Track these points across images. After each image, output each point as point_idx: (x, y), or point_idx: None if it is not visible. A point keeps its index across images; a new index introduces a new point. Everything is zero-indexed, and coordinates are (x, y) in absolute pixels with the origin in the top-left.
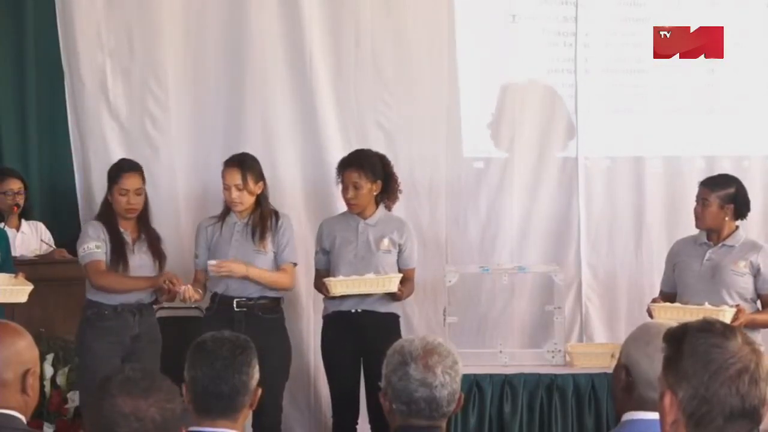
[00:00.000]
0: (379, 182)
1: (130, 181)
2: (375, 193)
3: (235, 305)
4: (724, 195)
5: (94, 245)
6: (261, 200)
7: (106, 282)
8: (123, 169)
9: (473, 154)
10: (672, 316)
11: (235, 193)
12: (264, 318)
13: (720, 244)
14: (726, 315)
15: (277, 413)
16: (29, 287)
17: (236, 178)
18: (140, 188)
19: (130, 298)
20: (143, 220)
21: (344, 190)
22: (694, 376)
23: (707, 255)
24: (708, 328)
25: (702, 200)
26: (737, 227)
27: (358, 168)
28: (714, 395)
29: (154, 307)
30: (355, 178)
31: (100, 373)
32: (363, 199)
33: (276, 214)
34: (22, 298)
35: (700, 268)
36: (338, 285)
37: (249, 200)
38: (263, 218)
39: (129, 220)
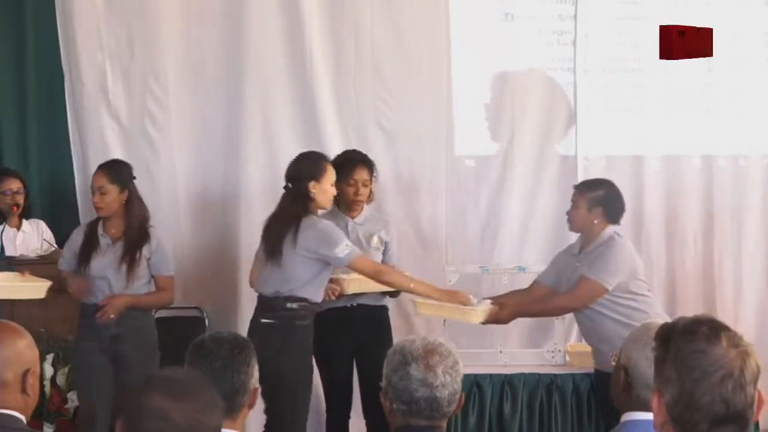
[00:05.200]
0: (372, 183)
1: (95, 180)
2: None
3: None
4: (592, 197)
5: (64, 257)
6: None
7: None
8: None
9: (473, 154)
10: (432, 312)
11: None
12: None
13: (582, 253)
14: (476, 315)
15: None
16: (47, 283)
17: (365, 174)
18: (103, 187)
19: (100, 298)
20: (129, 221)
21: (353, 187)
22: (677, 381)
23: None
24: (693, 329)
25: (572, 203)
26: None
27: (368, 166)
28: (697, 402)
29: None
30: (365, 176)
31: (83, 370)
32: (366, 197)
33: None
34: (40, 294)
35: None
36: (351, 284)
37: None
38: None
39: (108, 219)
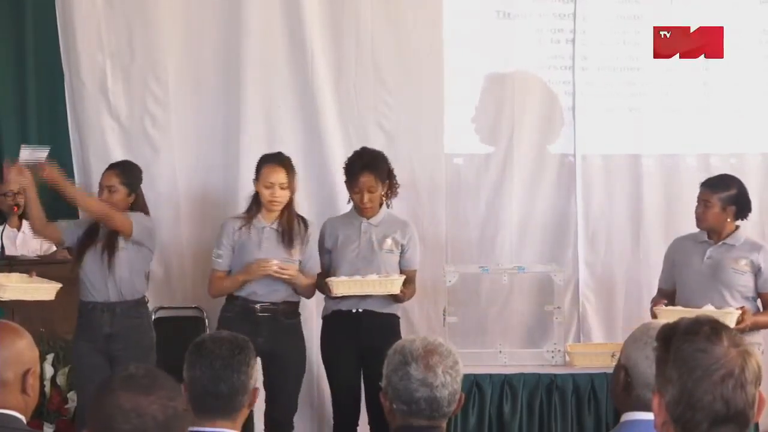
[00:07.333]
0: (387, 182)
1: (105, 178)
2: (382, 194)
3: (258, 309)
4: (726, 197)
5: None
6: (291, 202)
7: None
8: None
9: (472, 153)
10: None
11: (278, 192)
12: (285, 322)
13: (720, 243)
14: (731, 317)
15: (292, 411)
16: (57, 285)
17: (281, 176)
18: (113, 186)
19: (97, 296)
20: None
21: (358, 194)
22: (678, 381)
23: (708, 253)
24: (695, 330)
25: (704, 202)
26: (737, 227)
27: (373, 171)
28: (698, 401)
29: (150, 308)
30: (371, 183)
31: (80, 370)
32: (377, 202)
33: (303, 220)
34: (50, 296)
35: (701, 267)
36: (340, 285)
37: (287, 199)
38: (291, 223)
39: None
